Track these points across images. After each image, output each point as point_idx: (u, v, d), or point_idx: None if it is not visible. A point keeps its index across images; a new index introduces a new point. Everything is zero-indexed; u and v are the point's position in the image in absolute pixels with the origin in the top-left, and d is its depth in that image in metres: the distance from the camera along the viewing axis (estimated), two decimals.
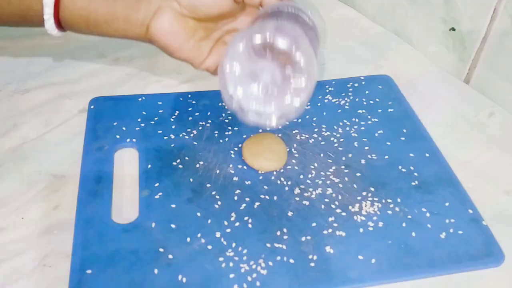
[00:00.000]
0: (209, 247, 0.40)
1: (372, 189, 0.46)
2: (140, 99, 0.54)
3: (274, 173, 0.47)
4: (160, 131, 0.50)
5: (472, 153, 0.51)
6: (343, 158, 0.48)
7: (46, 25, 0.46)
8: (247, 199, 0.44)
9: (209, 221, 0.42)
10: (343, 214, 0.43)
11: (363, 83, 0.58)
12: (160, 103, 0.53)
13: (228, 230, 0.42)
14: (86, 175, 0.45)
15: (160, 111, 0.52)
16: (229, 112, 0.53)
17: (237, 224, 0.42)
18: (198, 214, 0.43)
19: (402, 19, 0.66)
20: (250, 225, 0.42)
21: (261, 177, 0.46)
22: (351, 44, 0.66)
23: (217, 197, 0.44)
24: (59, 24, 0.46)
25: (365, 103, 0.55)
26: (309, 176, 0.47)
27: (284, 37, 0.38)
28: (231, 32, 0.51)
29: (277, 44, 0.38)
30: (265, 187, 0.45)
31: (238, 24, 0.50)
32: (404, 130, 0.52)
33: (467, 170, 0.49)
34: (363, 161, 0.48)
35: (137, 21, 0.45)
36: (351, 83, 0.58)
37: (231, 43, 0.39)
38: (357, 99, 0.55)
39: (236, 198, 0.44)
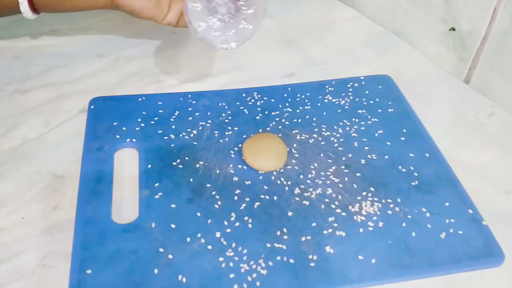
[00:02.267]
0: (209, 247, 0.40)
1: (372, 189, 0.46)
2: (140, 99, 0.54)
3: (274, 173, 0.47)
4: (160, 131, 0.50)
5: (472, 153, 0.51)
6: (343, 158, 0.48)
7: (21, 8, 0.50)
8: (247, 199, 0.44)
9: (209, 221, 0.42)
10: (343, 214, 0.43)
11: (363, 83, 0.58)
12: (160, 103, 0.53)
13: (228, 230, 0.42)
14: (86, 175, 0.45)
15: (160, 111, 0.52)
16: (229, 112, 0.53)
17: (237, 224, 0.42)
18: (198, 214, 0.43)
19: (402, 19, 0.66)
20: (250, 225, 0.42)
21: (261, 177, 0.46)
22: (351, 44, 0.66)
23: (217, 197, 0.44)
24: (33, 7, 0.51)
25: (365, 103, 0.55)
26: (309, 176, 0.47)
27: None
28: None
29: None
30: (265, 187, 0.45)
31: None
32: (404, 130, 0.52)
33: (467, 170, 0.49)
34: (363, 161, 0.48)
35: None
36: (351, 83, 0.58)
37: None
38: (357, 99, 0.55)
39: (236, 198, 0.44)
